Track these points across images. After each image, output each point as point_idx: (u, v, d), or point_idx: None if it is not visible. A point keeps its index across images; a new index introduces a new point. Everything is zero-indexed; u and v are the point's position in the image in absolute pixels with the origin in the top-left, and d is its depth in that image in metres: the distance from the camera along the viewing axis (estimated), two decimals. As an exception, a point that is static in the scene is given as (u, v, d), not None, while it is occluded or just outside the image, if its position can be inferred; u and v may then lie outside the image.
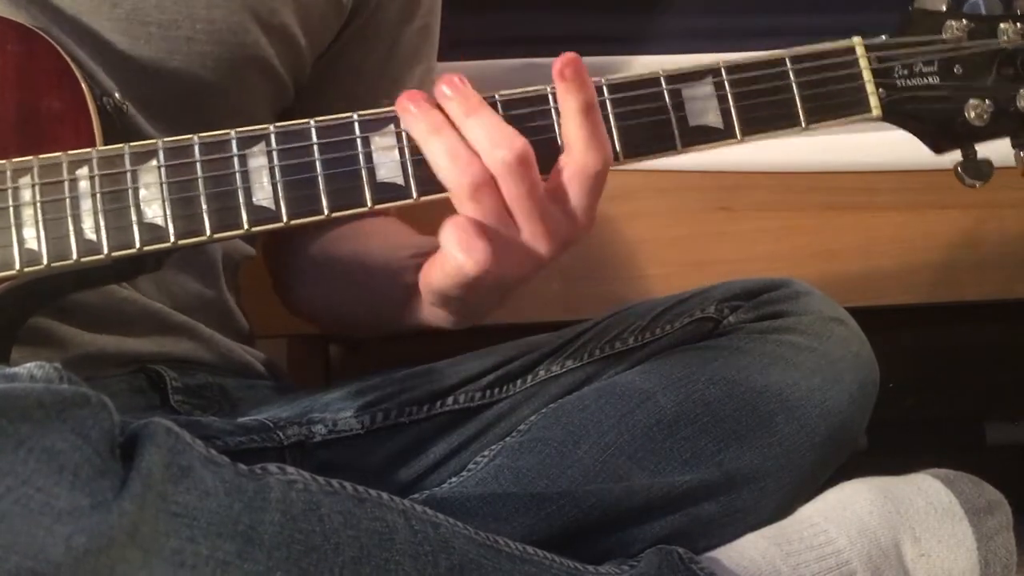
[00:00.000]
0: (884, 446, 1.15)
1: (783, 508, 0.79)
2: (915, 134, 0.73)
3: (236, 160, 0.65)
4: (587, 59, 1.16)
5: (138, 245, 0.64)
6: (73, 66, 0.68)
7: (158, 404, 0.81)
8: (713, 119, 0.69)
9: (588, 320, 0.89)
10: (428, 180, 0.66)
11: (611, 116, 0.68)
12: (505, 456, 0.75)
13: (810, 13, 1.20)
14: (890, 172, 1.16)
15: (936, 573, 0.75)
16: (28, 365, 0.53)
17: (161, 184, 0.64)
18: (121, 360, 0.80)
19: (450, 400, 0.83)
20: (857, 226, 1.21)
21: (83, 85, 0.68)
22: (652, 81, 0.69)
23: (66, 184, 0.64)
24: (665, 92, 0.69)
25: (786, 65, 0.70)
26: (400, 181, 0.66)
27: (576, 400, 0.79)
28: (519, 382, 0.85)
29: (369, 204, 0.66)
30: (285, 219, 0.65)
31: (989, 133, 0.72)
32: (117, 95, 0.70)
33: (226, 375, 0.86)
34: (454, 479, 0.75)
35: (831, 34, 1.18)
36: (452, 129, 0.65)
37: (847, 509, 0.77)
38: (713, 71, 0.69)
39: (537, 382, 0.85)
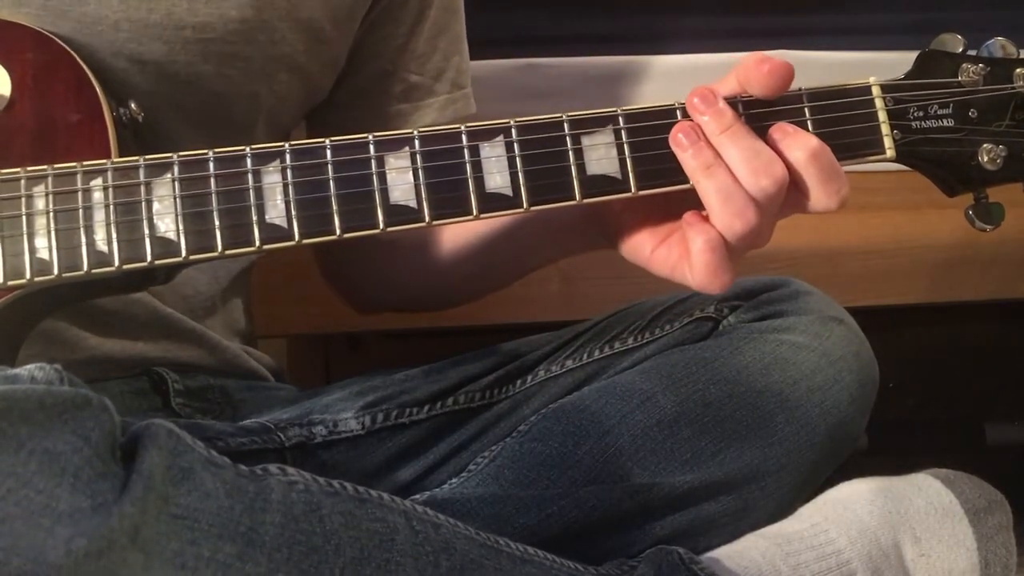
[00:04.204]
0: (884, 446, 1.15)
1: (783, 508, 0.79)
2: (927, 176, 0.73)
3: (250, 176, 0.64)
4: (587, 60, 1.17)
5: (149, 259, 0.63)
6: (91, 75, 0.68)
7: (159, 407, 0.81)
8: None
9: (588, 320, 0.89)
10: (441, 204, 0.65)
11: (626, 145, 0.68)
12: (506, 457, 0.75)
13: (813, 14, 1.20)
14: (890, 172, 1.16)
15: (936, 573, 0.75)
16: (29, 367, 0.53)
17: (175, 198, 0.64)
18: (126, 364, 0.80)
19: (450, 400, 0.83)
20: (857, 226, 1.22)
21: (100, 95, 0.67)
22: (666, 112, 0.69)
23: (80, 194, 0.63)
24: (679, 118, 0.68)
25: (802, 102, 0.69)
26: (413, 204, 0.65)
27: (576, 400, 0.79)
28: (519, 382, 0.85)
29: (381, 226, 0.65)
30: (297, 238, 0.64)
31: (1001, 178, 0.71)
32: (133, 105, 0.70)
33: (228, 377, 0.86)
34: (455, 480, 0.75)
35: (848, 34, 1.18)
36: (724, 168, 0.65)
37: (847, 509, 0.77)
38: (732, 104, 0.68)
39: (537, 382, 0.85)
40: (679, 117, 0.68)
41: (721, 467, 0.76)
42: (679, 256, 0.69)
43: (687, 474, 0.75)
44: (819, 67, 1.14)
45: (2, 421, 0.48)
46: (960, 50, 0.71)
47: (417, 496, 0.73)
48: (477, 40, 0.97)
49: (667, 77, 1.17)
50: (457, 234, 0.87)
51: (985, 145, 0.71)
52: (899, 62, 0.72)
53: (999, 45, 0.72)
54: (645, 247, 0.72)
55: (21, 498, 0.47)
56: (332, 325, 1.07)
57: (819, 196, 0.67)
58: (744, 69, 0.67)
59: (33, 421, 0.49)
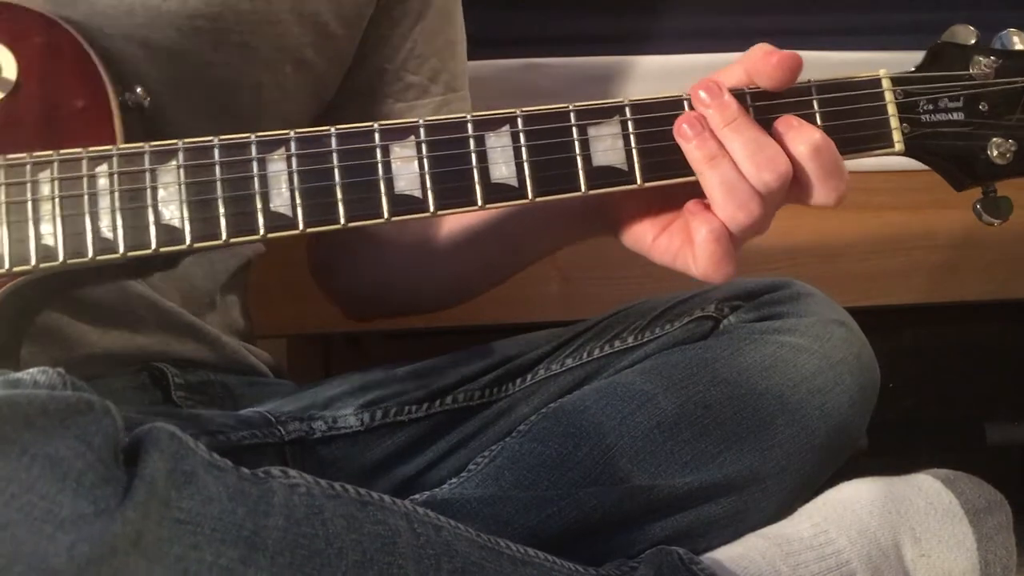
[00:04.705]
0: (884, 446, 1.15)
1: (784, 509, 0.79)
2: (935, 170, 0.72)
3: (255, 164, 0.64)
4: (587, 60, 1.17)
5: (154, 246, 0.63)
6: (96, 61, 0.67)
7: (160, 401, 0.81)
8: None
9: (588, 319, 0.89)
10: (445, 193, 0.65)
11: (632, 136, 0.67)
12: (505, 457, 0.75)
13: (814, 14, 1.20)
14: (890, 172, 1.16)
15: (936, 573, 0.75)
16: (32, 370, 0.53)
17: (180, 185, 0.63)
18: (126, 359, 0.80)
19: (449, 399, 0.83)
20: (857, 226, 1.21)
21: (106, 81, 0.67)
22: (674, 103, 0.68)
23: (85, 180, 0.63)
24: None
25: (811, 95, 0.68)
26: (418, 194, 0.65)
27: (576, 401, 0.79)
28: (519, 381, 0.85)
29: (386, 216, 0.65)
30: (301, 227, 0.64)
31: (1010, 172, 0.70)
32: (140, 90, 0.69)
33: (228, 373, 0.86)
34: (455, 479, 0.75)
35: (851, 34, 1.18)
36: (728, 160, 0.65)
37: (847, 510, 0.77)
38: (739, 96, 0.67)
39: (537, 381, 0.85)
40: (687, 109, 0.67)
41: (721, 469, 0.76)
42: (680, 244, 0.70)
43: (687, 476, 0.75)
44: (821, 67, 1.14)
45: (5, 426, 0.48)
46: (972, 42, 0.70)
47: (417, 496, 0.73)
48: (477, 40, 0.97)
49: (668, 77, 1.17)
50: (455, 221, 0.87)
51: (995, 139, 0.70)
52: (904, 61, 0.72)
53: (1012, 37, 0.71)
54: (646, 236, 0.72)
55: (23, 504, 0.47)
56: (332, 325, 1.07)
57: (818, 191, 0.67)
58: (752, 61, 0.67)
59: (36, 426, 0.49)
